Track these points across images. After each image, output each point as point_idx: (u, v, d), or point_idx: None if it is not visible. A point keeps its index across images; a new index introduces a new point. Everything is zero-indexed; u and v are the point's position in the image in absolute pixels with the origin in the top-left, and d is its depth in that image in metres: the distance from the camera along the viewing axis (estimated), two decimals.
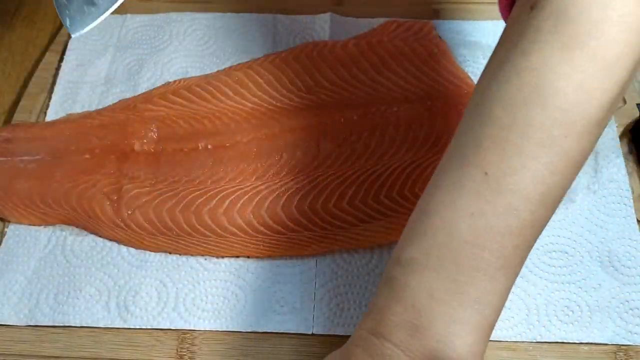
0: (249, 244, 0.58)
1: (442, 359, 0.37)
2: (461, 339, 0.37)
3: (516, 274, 0.39)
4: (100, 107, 0.69)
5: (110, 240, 0.60)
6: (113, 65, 0.72)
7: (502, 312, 0.54)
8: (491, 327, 0.39)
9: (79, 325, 0.56)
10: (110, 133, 0.65)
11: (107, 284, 0.58)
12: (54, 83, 0.71)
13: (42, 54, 0.74)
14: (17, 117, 0.69)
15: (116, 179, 0.61)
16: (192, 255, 0.59)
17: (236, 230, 0.58)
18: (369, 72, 0.67)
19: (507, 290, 0.39)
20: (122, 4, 0.63)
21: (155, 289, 0.57)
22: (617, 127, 0.64)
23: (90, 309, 0.57)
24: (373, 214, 0.58)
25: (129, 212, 0.60)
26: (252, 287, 0.57)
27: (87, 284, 0.58)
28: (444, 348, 0.37)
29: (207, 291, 0.57)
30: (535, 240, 0.40)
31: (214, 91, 0.66)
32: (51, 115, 0.69)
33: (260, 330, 0.55)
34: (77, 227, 0.61)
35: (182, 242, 0.59)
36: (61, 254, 0.60)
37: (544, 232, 0.58)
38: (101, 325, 0.56)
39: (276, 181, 0.60)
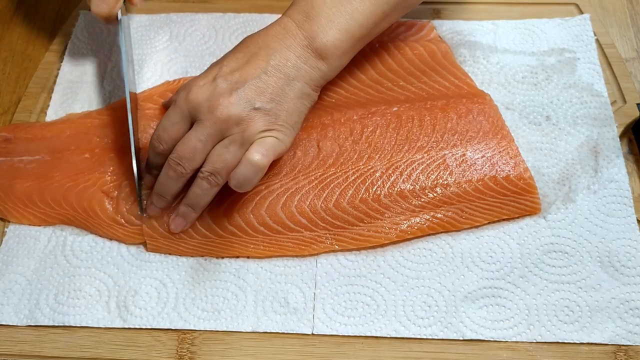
0: (249, 244, 0.58)
1: (316, 40, 0.57)
2: (332, 34, 0.57)
3: (379, 4, 0.58)
4: (100, 107, 0.69)
5: (110, 239, 0.60)
6: (113, 66, 0.72)
7: (502, 312, 0.55)
8: (355, 37, 0.59)
9: (79, 325, 0.56)
10: (111, 132, 0.65)
11: (107, 283, 0.58)
12: (54, 83, 0.72)
13: (42, 54, 0.74)
14: (17, 117, 0.69)
15: (116, 177, 0.62)
16: (192, 255, 0.59)
17: (236, 231, 0.58)
18: (369, 72, 0.67)
19: (372, 14, 0.58)
20: (122, 4, 0.64)
21: (155, 289, 0.57)
22: (617, 127, 0.64)
23: (90, 309, 0.57)
24: (373, 214, 0.58)
25: (128, 206, 0.60)
26: (252, 287, 0.57)
27: (87, 284, 0.58)
28: (320, 34, 0.57)
29: (207, 291, 0.57)
30: None
31: None
32: (51, 115, 0.69)
33: (260, 331, 0.55)
34: (76, 227, 0.61)
35: (183, 243, 0.59)
36: (61, 254, 0.60)
37: (544, 232, 0.58)
38: (101, 325, 0.56)
39: (276, 181, 0.60)
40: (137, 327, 0.56)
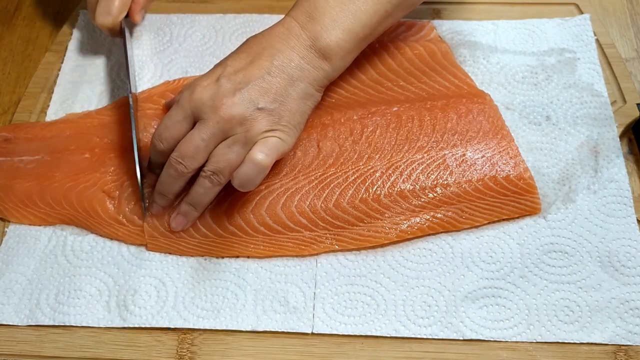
0: (249, 244, 0.58)
1: (319, 40, 0.57)
2: (335, 34, 0.57)
3: (382, 4, 0.58)
4: (100, 106, 0.69)
5: (111, 239, 0.60)
6: (113, 66, 0.72)
7: (502, 312, 0.54)
8: (359, 37, 0.59)
9: (79, 325, 0.56)
10: (110, 132, 0.65)
11: (107, 283, 0.58)
12: (54, 83, 0.72)
13: (42, 54, 0.75)
14: (17, 117, 0.69)
15: (117, 176, 0.62)
16: (192, 255, 0.59)
17: (236, 230, 0.58)
18: (369, 72, 0.67)
19: (376, 14, 0.59)
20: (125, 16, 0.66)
21: (155, 287, 0.57)
22: (617, 127, 0.64)
23: (91, 309, 0.57)
24: (373, 214, 0.58)
25: (130, 206, 0.60)
26: (252, 286, 0.57)
27: (87, 283, 0.58)
28: (323, 34, 0.57)
29: (207, 290, 0.57)
30: None
31: None
32: (51, 115, 0.69)
33: (260, 329, 0.55)
34: (77, 226, 0.61)
35: (183, 242, 0.59)
36: (62, 253, 0.60)
37: (544, 232, 0.58)
38: (101, 325, 0.56)
39: (276, 181, 0.60)
40: (136, 326, 0.56)
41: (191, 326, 0.55)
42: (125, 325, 0.56)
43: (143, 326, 0.56)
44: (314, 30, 0.58)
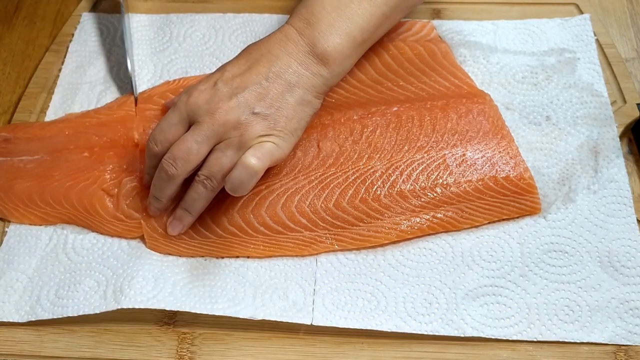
0: (248, 244, 0.58)
1: (317, 45, 0.57)
2: (333, 39, 0.58)
3: (379, 6, 0.59)
4: (99, 107, 0.69)
5: (112, 236, 0.60)
6: (113, 66, 0.72)
7: (502, 311, 0.54)
8: (357, 41, 0.59)
9: (76, 314, 0.55)
10: (109, 130, 0.65)
11: (106, 275, 0.57)
12: (54, 83, 0.71)
13: (42, 54, 0.75)
14: (17, 117, 0.69)
15: (116, 174, 0.62)
16: (191, 256, 0.59)
17: (236, 231, 0.58)
18: (369, 72, 0.67)
19: (373, 17, 0.59)
20: (123, 4, 0.64)
21: (153, 275, 0.57)
22: (617, 127, 0.64)
23: (89, 299, 0.56)
24: (373, 214, 0.58)
25: (128, 201, 0.60)
26: (252, 283, 0.57)
27: (87, 277, 0.57)
28: (321, 39, 0.57)
29: (206, 283, 0.57)
30: None
31: None
32: (51, 115, 0.69)
33: (258, 318, 0.54)
34: (77, 225, 0.61)
35: (182, 243, 0.59)
36: (62, 251, 0.60)
37: (544, 232, 0.58)
38: (97, 311, 0.55)
39: (276, 181, 0.60)
40: (130, 307, 0.54)
41: (187, 309, 0.55)
42: (118, 307, 0.55)
43: (137, 307, 0.54)
44: (311, 36, 0.58)
